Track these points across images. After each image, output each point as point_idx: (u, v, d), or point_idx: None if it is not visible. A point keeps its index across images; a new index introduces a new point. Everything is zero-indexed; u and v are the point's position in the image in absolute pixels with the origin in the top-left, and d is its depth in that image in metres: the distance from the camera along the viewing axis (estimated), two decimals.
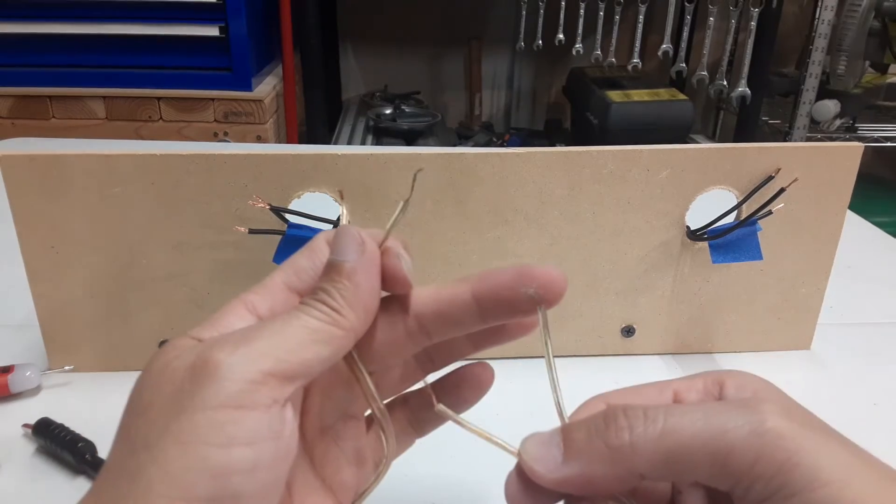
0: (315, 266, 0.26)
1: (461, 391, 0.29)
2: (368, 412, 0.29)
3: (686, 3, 1.66)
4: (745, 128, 1.76)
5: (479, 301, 0.25)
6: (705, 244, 0.47)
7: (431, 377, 0.29)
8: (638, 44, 1.67)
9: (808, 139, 1.69)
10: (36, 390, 0.45)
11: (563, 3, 1.64)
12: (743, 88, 1.64)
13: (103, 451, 0.39)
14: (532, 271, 0.24)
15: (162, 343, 0.26)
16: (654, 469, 0.22)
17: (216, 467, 0.20)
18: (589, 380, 0.48)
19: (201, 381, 0.21)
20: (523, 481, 0.24)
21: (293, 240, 0.42)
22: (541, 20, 1.70)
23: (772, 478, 0.21)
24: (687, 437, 0.22)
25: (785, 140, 1.70)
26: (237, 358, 0.21)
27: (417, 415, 0.30)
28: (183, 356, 0.22)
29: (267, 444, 0.21)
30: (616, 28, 1.67)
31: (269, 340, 0.22)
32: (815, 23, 1.59)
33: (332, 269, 0.25)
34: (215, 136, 1.51)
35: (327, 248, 0.26)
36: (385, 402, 0.27)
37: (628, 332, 0.50)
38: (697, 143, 1.75)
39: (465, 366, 0.29)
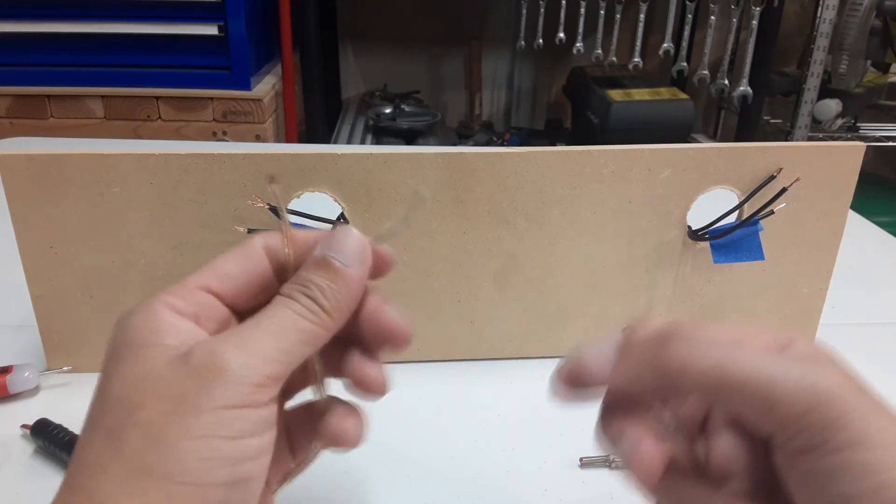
0: (245, 272, 0.26)
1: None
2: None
3: (687, 2, 1.66)
4: (747, 127, 1.76)
5: (271, 258, 0.26)
6: (707, 244, 0.46)
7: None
8: (639, 43, 1.67)
9: (810, 139, 1.69)
10: (34, 391, 0.45)
11: (563, 2, 1.64)
12: (744, 88, 1.64)
13: None
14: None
15: None
16: (702, 392, 0.23)
17: (231, 456, 0.22)
18: None
19: (208, 383, 0.22)
20: (573, 370, 0.25)
21: None
22: (541, 19, 1.69)
23: (818, 432, 0.21)
24: (745, 373, 0.22)
25: (786, 139, 1.70)
26: (244, 361, 0.23)
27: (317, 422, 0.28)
28: (172, 361, 0.22)
29: (267, 434, 0.23)
30: (617, 27, 1.67)
31: (269, 343, 0.23)
32: (817, 22, 1.59)
33: (329, 268, 0.25)
34: (214, 136, 1.51)
35: (265, 257, 0.26)
36: (293, 407, 0.28)
37: None
38: (699, 142, 1.75)
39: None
